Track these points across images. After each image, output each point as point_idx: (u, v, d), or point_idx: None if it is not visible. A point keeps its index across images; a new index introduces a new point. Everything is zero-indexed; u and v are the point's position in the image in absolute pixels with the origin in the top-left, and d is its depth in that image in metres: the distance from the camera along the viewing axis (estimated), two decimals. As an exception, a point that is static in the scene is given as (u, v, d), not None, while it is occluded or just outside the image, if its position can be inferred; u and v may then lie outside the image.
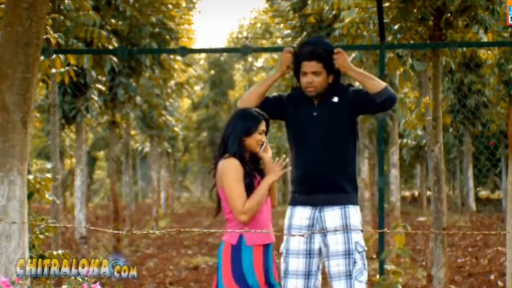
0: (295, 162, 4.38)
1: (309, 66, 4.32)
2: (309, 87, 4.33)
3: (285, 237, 4.35)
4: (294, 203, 4.35)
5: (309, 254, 4.32)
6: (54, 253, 5.68)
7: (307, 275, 4.30)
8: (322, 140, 4.29)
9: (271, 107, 4.36)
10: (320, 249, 4.33)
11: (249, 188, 3.93)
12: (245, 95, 4.45)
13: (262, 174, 4.04)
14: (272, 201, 4.10)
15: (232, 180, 3.90)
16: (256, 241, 3.92)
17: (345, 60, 4.35)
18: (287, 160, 4.03)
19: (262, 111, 4.16)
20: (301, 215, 4.30)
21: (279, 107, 4.42)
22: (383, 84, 4.31)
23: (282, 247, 4.36)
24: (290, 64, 4.42)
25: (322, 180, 4.25)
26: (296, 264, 4.28)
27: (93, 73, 10.70)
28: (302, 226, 4.27)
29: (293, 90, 4.52)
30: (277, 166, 3.99)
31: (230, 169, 3.92)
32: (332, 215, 4.28)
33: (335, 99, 4.36)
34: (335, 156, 4.30)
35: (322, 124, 4.31)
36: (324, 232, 4.27)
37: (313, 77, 4.32)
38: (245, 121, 4.02)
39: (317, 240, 4.31)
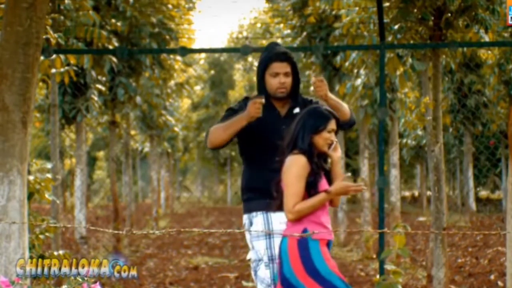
0: (259, 170, 4.34)
1: (282, 66, 4.35)
2: (282, 87, 4.35)
3: (264, 244, 4.25)
4: (268, 209, 4.28)
5: None
6: (55, 253, 5.69)
7: None
8: (289, 151, 4.32)
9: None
10: None
11: (312, 187, 3.91)
12: (212, 138, 4.33)
13: (328, 174, 4.01)
14: (335, 201, 4.07)
15: (293, 176, 3.89)
16: (321, 235, 3.90)
17: (327, 89, 4.39)
18: (365, 187, 3.99)
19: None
20: (279, 220, 4.25)
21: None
22: (348, 109, 4.45)
23: (261, 254, 4.26)
24: (259, 114, 4.29)
25: None
26: None
27: (93, 73, 10.70)
28: (283, 230, 4.25)
29: (245, 99, 4.47)
30: (351, 187, 3.94)
31: (295, 166, 3.91)
32: None
33: (297, 110, 4.40)
34: None
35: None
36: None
37: (285, 78, 4.36)
38: (314, 119, 3.99)
39: None
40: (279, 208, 4.07)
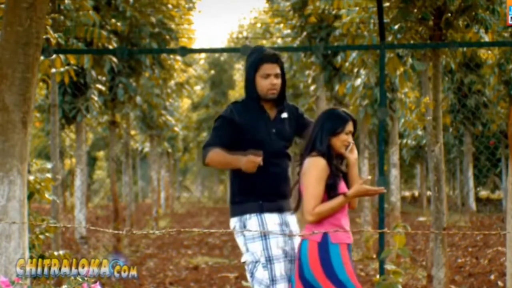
0: (251, 173, 4.29)
1: (273, 68, 4.37)
2: (273, 89, 4.37)
3: (260, 245, 4.26)
4: (261, 210, 4.31)
5: (289, 258, 4.31)
6: (55, 253, 5.69)
7: (288, 279, 4.27)
8: (281, 153, 4.38)
9: (233, 138, 4.35)
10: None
11: (332, 188, 3.93)
12: (208, 161, 4.31)
13: (345, 176, 4.03)
14: (352, 203, 4.09)
15: (312, 178, 3.91)
16: (341, 239, 3.92)
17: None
18: (385, 190, 4.05)
19: (229, 146, 4.22)
20: (274, 221, 4.29)
21: (236, 130, 4.35)
22: None
23: (258, 256, 4.26)
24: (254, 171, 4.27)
25: (284, 189, 4.34)
26: (279, 269, 4.23)
27: (93, 73, 10.71)
28: (277, 231, 4.27)
29: (234, 104, 4.48)
30: (370, 190, 3.95)
31: (314, 168, 3.93)
32: (292, 220, 4.40)
33: (285, 115, 4.46)
34: (287, 166, 4.44)
35: (280, 140, 4.37)
36: (291, 235, 4.29)
37: (276, 80, 4.38)
38: (332, 121, 4.01)
39: (289, 244, 4.31)
40: (296, 210, 4.10)
